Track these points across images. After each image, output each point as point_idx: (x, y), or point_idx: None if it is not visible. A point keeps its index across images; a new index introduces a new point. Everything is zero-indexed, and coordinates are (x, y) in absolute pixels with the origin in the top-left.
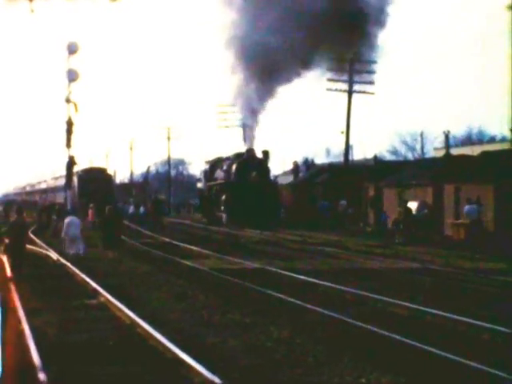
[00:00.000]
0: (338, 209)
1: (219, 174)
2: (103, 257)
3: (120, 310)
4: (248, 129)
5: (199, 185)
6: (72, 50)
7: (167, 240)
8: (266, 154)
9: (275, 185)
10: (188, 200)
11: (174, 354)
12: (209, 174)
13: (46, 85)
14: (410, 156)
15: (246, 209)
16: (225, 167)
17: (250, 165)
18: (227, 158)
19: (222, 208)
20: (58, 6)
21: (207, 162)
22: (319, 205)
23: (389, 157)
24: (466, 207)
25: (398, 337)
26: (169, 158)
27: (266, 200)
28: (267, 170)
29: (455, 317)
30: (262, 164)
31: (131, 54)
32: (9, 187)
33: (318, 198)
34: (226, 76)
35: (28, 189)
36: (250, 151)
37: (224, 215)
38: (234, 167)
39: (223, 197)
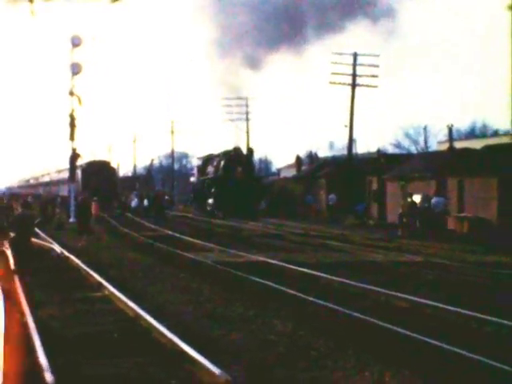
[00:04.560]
0: (328, 202)
1: (210, 169)
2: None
3: (123, 302)
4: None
5: (192, 179)
6: (75, 43)
7: (170, 233)
8: (250, 151)
9: (259, 179)
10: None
11: (177, 346)
12: (201, 169)
13: (50, 78)
14: (413, 149)
15: (232, 201)
16: (215, 163)
17: (236, 161)
18: (217, 155)
19: (212, 200)
20: (58, 6)
21: (199, 158)
22: (305, 198)
23: (392, 150)
24: (434, 199)
25: (400, 329)
26: (172, 152)
27: (249, 193)
28: (252, 166)
29: (457, 309)
30: (247, 160)
31: (135, 46)
32: (13, 180)
33: (318, 191)
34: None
35: (32, 182)
36: (237, 149)
37: (214, 207)
38: (222, 163)
39: (212, 190)
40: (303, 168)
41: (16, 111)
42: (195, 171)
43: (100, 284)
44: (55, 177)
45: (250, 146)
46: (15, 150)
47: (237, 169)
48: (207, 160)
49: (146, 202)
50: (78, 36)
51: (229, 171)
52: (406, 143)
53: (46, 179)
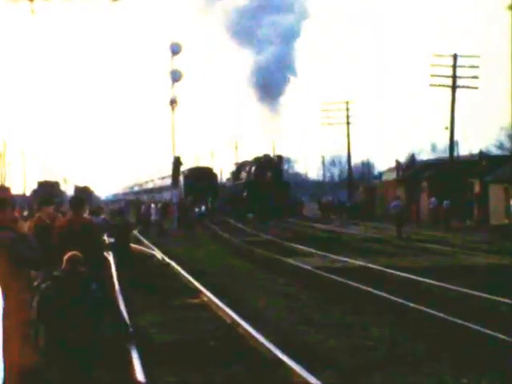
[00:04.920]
0: (429, 206)
1: (243, 174)
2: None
3: (221, 309)
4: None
5: (228, 184)
6: (175, 50)
7: (270, 238)
8: (279, 157)
9: (287, 183)
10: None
11: (273, 354)
12: (235, 174)
13: (152, 86)
14: None
15: (262, 203)
16: (247, 169)
17: (266, 167)
18: (250, 162)
19: (244, 203)
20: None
21: (235, 164)
22: (389, 205)
23: (495, 152)
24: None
25: (501, 335)
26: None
27: (277, 196)
28: (280, 171)
29: None
30: (276, 166)
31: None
32: (118, 187)
33: (420, 194)
34: None
35: (136, 188)
36: (267, 156)
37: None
38: (253, 169)
39: (244, 193)
40: (404, 171)
41: (123, 120)
42: (230, 176)
43: (198, 290)
44: (158, 183)
45: (283, 153)
46: (119, 158)
47: (267, 174)
48: (241, 166)
49: (203, 208)
50: (177, 43)
51: (259, 176)
52: (509, 145)
53: (150, 186)
